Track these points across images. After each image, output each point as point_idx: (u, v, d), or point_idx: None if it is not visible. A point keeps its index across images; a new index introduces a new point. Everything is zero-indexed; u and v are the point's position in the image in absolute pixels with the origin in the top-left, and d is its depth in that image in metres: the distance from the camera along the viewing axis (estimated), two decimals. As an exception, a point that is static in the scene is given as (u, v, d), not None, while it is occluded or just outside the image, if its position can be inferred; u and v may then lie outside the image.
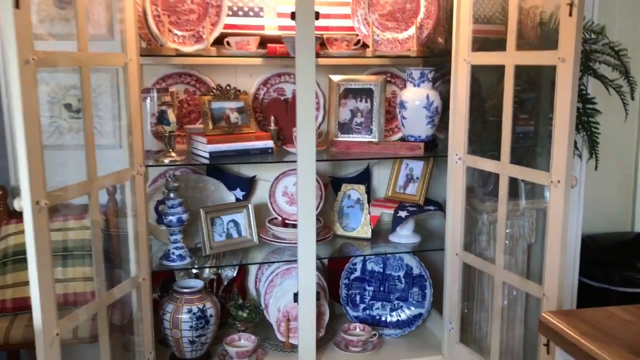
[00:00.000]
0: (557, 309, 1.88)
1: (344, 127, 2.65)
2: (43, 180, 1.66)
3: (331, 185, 2.82)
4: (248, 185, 2.74)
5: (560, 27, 1.84)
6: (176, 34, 2.34)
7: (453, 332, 2.47)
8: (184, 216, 2.37)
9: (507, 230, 2.47)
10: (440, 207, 2.63)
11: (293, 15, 2.16)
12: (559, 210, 1.89)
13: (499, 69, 2.13)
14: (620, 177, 3.09)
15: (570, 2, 1.79)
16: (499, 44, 2.17)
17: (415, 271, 2.71)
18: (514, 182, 2.45)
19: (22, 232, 2.39)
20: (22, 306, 2.32)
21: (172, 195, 2.36)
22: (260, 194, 2.77)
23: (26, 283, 2.30)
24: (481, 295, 2.57)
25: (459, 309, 2.45)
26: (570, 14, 1.79)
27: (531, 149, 2.46)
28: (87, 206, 2.48)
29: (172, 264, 2.39)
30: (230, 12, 2.50)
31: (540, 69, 2.34)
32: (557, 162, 1.88)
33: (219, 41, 2.44)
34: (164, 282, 2.61)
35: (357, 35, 2.57)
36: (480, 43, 2.35)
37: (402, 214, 2.59)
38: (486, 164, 2.26)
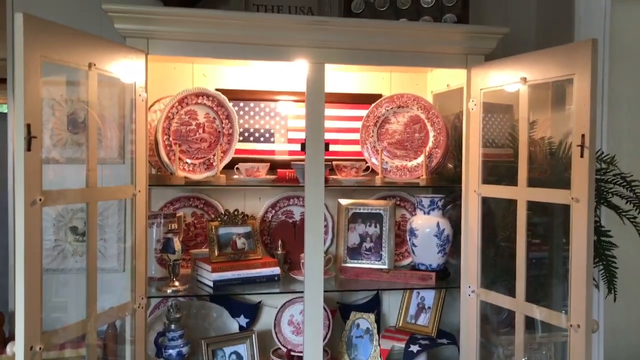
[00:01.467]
0: None
1: (353, 252, 2.60)
2: (39, 325, 1.59)
3: (339, 311, 2.72)
4: (253, 311, 2.64)
5: (572, 168, 1.83)
6: (186, 162, 2.35)
7: None
8: (185, 349, 2.27)
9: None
10: (454, 340, 2.51)
11: (303, 147, 2.18)
12: (580, 355, 1.78)
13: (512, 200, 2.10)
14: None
15: (581, 143, 1.78)
16: (509, 171, 2.15)
17: (428, 408, 2.54)
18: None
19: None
20: None
21: (173, 326, 2.27)
22: (266, 319, 2.67)
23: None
24: None
25: None
26: (582, 155, 1.78)
27: (547, 281, 2.38)
28: (84, 335, 2.42)
29: (171, 401, 2.26)
30: (241, 137, 2.53)
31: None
32: (576, 306, 1.80)
33: (229, 166, 2.44)
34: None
35: (366, 162, 2.58)
36: (490, 169, 2.33)
37: (414, 348, 2.46)
38: (501, 300, 2.18)
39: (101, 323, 1.95)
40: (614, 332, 2.86)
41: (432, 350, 2.57)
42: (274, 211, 2.71)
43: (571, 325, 1.82)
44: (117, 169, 2.51)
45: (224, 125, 2.41)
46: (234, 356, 2.42)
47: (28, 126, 1.53)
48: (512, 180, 2.13)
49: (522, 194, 2.04)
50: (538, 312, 2.03)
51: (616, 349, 2.87)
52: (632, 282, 2.88)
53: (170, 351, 2.24)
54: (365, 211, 2.63)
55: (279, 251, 2.60)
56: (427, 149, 2.50)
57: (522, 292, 2.03)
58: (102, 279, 1.94)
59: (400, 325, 2.64)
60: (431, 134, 2.52)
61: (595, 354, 2.31)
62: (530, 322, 2.39)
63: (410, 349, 2.46)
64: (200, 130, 2.38)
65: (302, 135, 2.13)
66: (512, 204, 2.12)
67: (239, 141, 2.50)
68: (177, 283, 2.28)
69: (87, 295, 1.88)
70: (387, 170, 2.57)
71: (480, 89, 2.25)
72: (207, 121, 2.38)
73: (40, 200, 1.58)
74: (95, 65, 1.84)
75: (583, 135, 1.78)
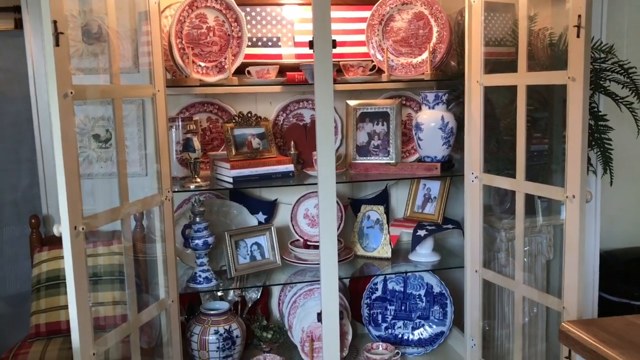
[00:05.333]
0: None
1: (362, 150, 2.73)
2: (80, 207, 1.74)
3: (350, 207, 2.89)
4: (270, 208, 2.82)
5: (569, 48, 1.91)
6: (200, 65, 2.45)
7: (475, 349, 2.50)
8: (210, 239, 2.45)
9: (526, 248, 2.51)
10: (459, 225, 2.69)
11: (311, 44, 2.25)
12: (575, 224, 1.94)
13: (512, 89, 2.21)
14: (636, 191, 3.12)
15: (577, 24, 1.86)
16: (510, 66, 2.25)
17: (436, 289, 2.75)
18: (530, 200, 2.50)
19: (54, 258, 2.52)
20: (56, 330, 2.40)
21: (198, 219, 2.44)
22: (282, 216, 2.85)
23: (59, 308, 2.42)
24: (502, 312, 2.60)
25: (480, 325, 2.49)
26: (578, 35, 1.87)
27: (546, 166, 2.52)
28: (114, 233, 2.60)
29: (199, 286, 2.46)
30: (249, 43, 2.61)
31: (552, 88, 2.41)
32: (572, 177, 1.94)
33: (239, 71, 2.54)
34: (189, 305, 2.68)
35: (372, 61, 2.67)
36: (492, 65, 2.42)
37: (421, 232, 2.64)
38: (502, 182, 2.32)
39: (134, 210, 2.11)
40: (611, 218, 3.02)
41: (439, 235, 2.76)
42: (285, 114, 2.82)
43: (567, 197, 1.96)
44: (132, 78, 2.61)
45: (232, 28, 2.49)
46: (255, 246, 2.61)
47: (55, 23, 1.63)
48: (513, 72, 2.23)
49: (521, 79, 2.14)
50: (537, 189, 2.17)
51: (612, 234, 3.04)
52: (628, 170, 3.02)
53: (197, 241, 2.42)
54: (373, 110, 2.74)
55: (292, 151, 2.73)
56: (431, 44, 2.59)
57: (522, 171, 2.17)
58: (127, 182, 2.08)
59: (408, 215, 2.81)
60: (435, 29, 2.59)
61: (592, 228, 2.47)
62: (530, 208, 2.55)
63: (417, 234, 2.64)
64: (211, 34, 2.46)
65: (309, 39, 2.20)
66: (513, 94, 2.22)
67: (248, 46, 2.59)
68: (199, 180, 2.43)
69: (119, 186, 2.02)
70: (393, 67, 2.66)
71: (482, -19, 2.30)
72: (217, 24, 2.46)
73: (71, 93, 1.70)
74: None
75: (579, 16, 1.86)
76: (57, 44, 1.63)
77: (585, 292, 2.00)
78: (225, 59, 2.48)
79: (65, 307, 1.88)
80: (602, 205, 2.66)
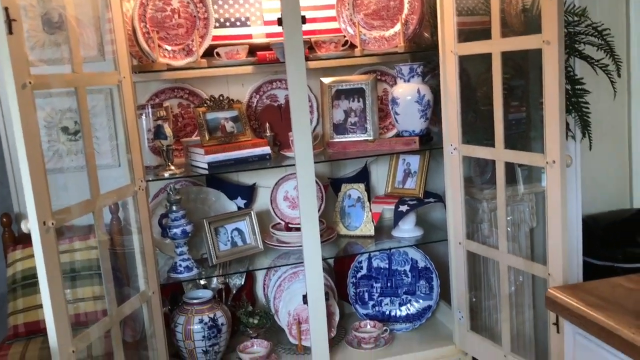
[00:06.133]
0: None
1: (339, 128, 2.69)
2: (48, 201, 1.68)
3: (331, 186, 2.85)
4: (249, 193, 2.77)
5: (542, 11, 1.88)
6: (166, 49, 2.38)
7: (463, 321, 2.49)
8: (188, 228, 2.40)
9: (509, 217, 2.50)
10: (440, 198, 2.66)
11: (280, 22, 2.19)
12: (556, 189, 1.92)
13: (487, 58, 2.17)
14: (615, 155, 3.12)
15: (548, -16, 1.83)
16: (484, 34, 2.21)
17: (421, 264, 2.73)
18: (511, 169, 2.49)
19: (29, 257, 2.45)
20: (35, 330, 2.34)
21: (174, 207, 2.39)
22: (262, 200, 2.80)
23: (37, 307, 2.36)
24: (488, 282, 2.59)
25: (467, 298, 2.48)
26: (551, -2, 1.83)
27: (524, 134, 2.50)
28: (90, 227, 2.53)
29: (180, 275, 2.41)
30: (217, 24, 2.54)
31: (527, 55, 2.38)
32: (551, 142, 1.91)
33: (208, 53, 2.47)
34: (172, 295, 2.63)
35: (345, 36, 2.61)
36: (466, 35, 2.38)
37: (403, 208, 2.61)
38: (481, 152, 2.30)
39: (106, 202, 2.05)
40: (591, 182, 3.01)
41: (420, 209, 2.73)
42: (258, 96, 2.76)
43: (547, 162, 1.94)
44: (99, 67, 2.52)
45: (198, 9, 2.42)
46: (235, 232, 2.57)
47: (6, 9, 1.55)
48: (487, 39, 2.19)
49: (496, 46, 2.10)
50: (517, 156, 2.15)
51: (593, 198, 3.04)
52: (606, 133, 3.02)
53: (175, 230, 2.37)
54: (348, 87, 2.69)
55: (268, 133, 2.67)
56: (403, 16, 2.53)
57: (501, 140, 2.14)
58: (99, 175, 2.00)
59: (389, 191, 2.78)
60: (406, 0, 2.54)
61: (573, 193, 2.46)
62: (511, 177, 2.53)
63: (399, 209, 2.62)
64: (176, 16, 2.38)
65: (277, 16, 2.14)
66: (488, 63, 2.18)
67: (215, 27, 2.51)
68: (173, 167, 2.37)
69: (89, 179, 1.96)
70: (366, 41, 2.61)
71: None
72: (182, 6, 2.39)
73: (30, 83, 1.63)
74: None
75: (551, -24, 1.82)
76: (10, 31, 1.56)
77: (569, 257, 1.99)
78: (192, 41, 2.41)
79: (42, 305, 1.82)
80: (582, 169, 2.65)
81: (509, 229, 2.39)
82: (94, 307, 2.41)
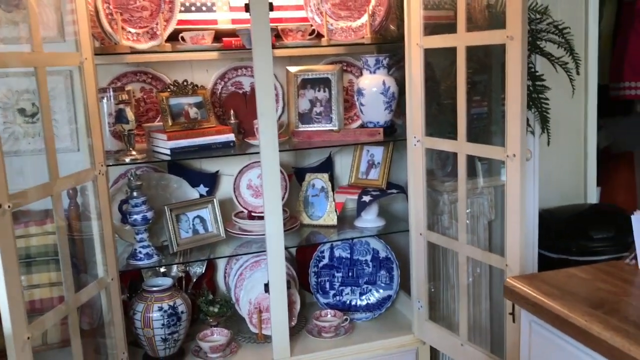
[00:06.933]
0: (520, 276, 1.95)
1: (304, 118, 2.69)
2: (5, 183, 1.63)
3: (295, 175, 2.85)
4: (211, 180, 2.74)
5: (507, 7, 1.91)
6: (130, 32, 2.33)
7: (422, 310, 2.53)
8: (149, 214, 2.36)
9: (468, 210, 2.54)
10: (403, 189, 2.69)
11: (247, 7, 2.18)
12: (516, 182, 1.97)
13: (452, 52, 2.20)
14: (571, 151, 3.21)
15: (514, -18, 1.86)
16: (449, 28, 2.23)
17: (382, 254, 2.76)
18: (471, 163, 2.53)
19: (-18, 241, 2.36)
20: (-13, 316, 2.27)
21: (135, 193, 2.34)
22: (224, 188, 2.78)
23: (-10, 292, 2.28)
24: (447, 273, 2.64)
25: (426, 288, 2.52)
26: (515, -6, 1.87)
27: (486, 128, 2.54)
28: (47, 212, 2.47)
29: (140, 262, 2.37)
30: (182, 8, 2.50)
31: (490, 51, 2.42)
32: (512, 136, 1.96)
33: (173, 37, 2.43)
34: (131, 283, 2.59)
35: (312, 25, 2.60)
36: (432, 28, 2.41)
37: (366, 198, 2.64)
38: (444, 144, 2.33)
39: (65, 186, 2.00)
40: (547, 177, 3.09)
41: (383, 200, 2.76)
42: (222, 83, 2.73)
43: (507, 156, 1.98)
44: (59, 48, 2.45)
45: (164, -8, 2.37)
46: (197, 220, 2.54)
47: (-37, -17, 1.49)
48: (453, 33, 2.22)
49: (461, 40, 2.13)
50: (478, 149, 2.19)
51: (548, 193, 3.12)
52: (563, 130, 3.09)
53: (135, 217, 2.33)
54: (314, 77, 2.69)
55: (232, 121, 2.65)
56: (370, 7, 2.54)
57: (464, 133, 2.18)
58: (58, 159, 1.94)
59: (352, 181, 2.80)
60: (373, -9, 2.55)
61: (531, 187, 2.51)
62: (471, 170, 2.58)
63: (362, 200, 2.64)
64: (141, -2, 2.33)
65: (244, 2, 2.12)
66: (453, 57, 2.21)
67: (181, 11, 2.47)
68: (134, 152, 2.33)
69: (48, 161, 1.90)
70: (333, 32, 2.61)
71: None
72: (147, -12, 2.34)
73: (-14, 61, 1.57)
74: None
75: (516, -26, 1.86)
76: (-34, 6, 1.50)
77: (525, 249, 2.04)
78: (157, 24, 2.36)
79: (-4, 290, 1.77)
80: (540, 164, 2.72)
81: (468, 221, 2.44)
82: (50, 294, 2.36)
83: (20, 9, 2.45)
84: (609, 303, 1.40)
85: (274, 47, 2.37)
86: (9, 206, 1.63)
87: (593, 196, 3.24)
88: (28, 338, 1.70)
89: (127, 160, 2.31)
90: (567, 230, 2.99)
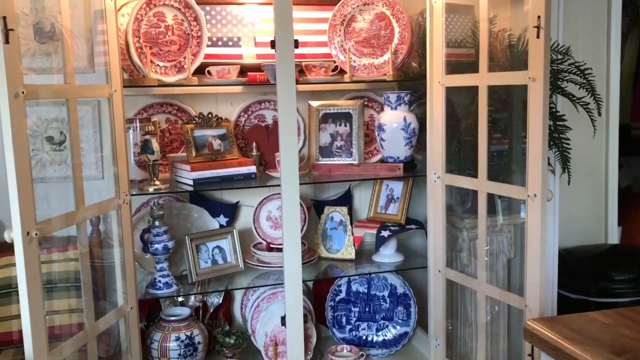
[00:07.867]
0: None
1: (325, 151, 2.71)
2: (33, 211, 1.67)
3: (314, 208, 2.87)
4: (232, 211, 2.77)
5: (529, 49, 1.94)
6: (158, 65, 2.39)
7: (439, 348, 2.51)
8: (170, 244, 2.39)
9: (487, 247, 2.54)
10: (422, 225, 2.70)
11: (273, 44, 2.22)
12: (537, 222, 1.96)
13: (473, 90, 2.22)
14: (592, 191, 3.19)
15: (537, 25, 1.89)
16: (471, 67, 2.27)
17: (400, 290, 2.75)
18: (491, 200, 2.53)
19: (5, 265, 2.41)
20: (7, 341, 2.30)
21: (157, 223, 2.38)
22: (244, 219, 2.80)
23: (11, 317, 2.32)
24: (465, 311, 2.62)
25: (444, 325, 2.50)
26: (538, 36, 1.89)
27: (507, 166, 2.55)
28: (69, 238, 2.50)
29: (159, 292, 2.39)
30: (209, 43, 2.56)
31: (512, 90, 2.44)
32: (533, 176, 1.96)
33: (199, 71, 2.49)
34: (149, 311, 2.60)
35: (335, 62, 2.65)
36: (453, 66, 2.44)
37: (385, 233, 2.64)
38: (464, 182, 2.34)
39: (89, 215, 2.03)
40: (568, 216, 3.07)
41: (402, 235, 2.76)
42: (246, 115, 2.78)
43: (528, 196, 1.98)
44: (87, 79, 2.52)
45: (192, 27, 2.44)
46: (216, 250, 2.56)
47: (4, 18, 1.56)
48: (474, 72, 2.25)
49: (483, 80, 2.16)
50: (499, 188, 2.19)
51: (569, 232, 3.10)
52: (584, 169, 3.09)
53: (156, 246, 2.36)
54: (335, 111, 2.72)
55: (254, 153, 2.69)
56: (393, 45, 2.59)
57: (484, 171, 2.19)
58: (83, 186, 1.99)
59: (371, 215, 2.81)
60: (396, 30, 2.60)
61: (551, 226, 2.51)
62: (491, 207, 2.58)
63: (381, 235, 2.64)
64: (170, 33, 2.40)
65: (270, 39, 2.17)
66: (474, 96, 2.23)
67: (208, 46, 2.54)
68: (158, 182, 2.37)
69: (75, 190, 1.95)
70: (355, 68, 2.65)
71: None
72: (176, 23, 2.41)
73: (23, 93, 1.63)
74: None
75: (539, 17, 1.88)
76: (6, 41, 1.56)
77: (545, 289, 2.03)
78: (184, 58, 2.43)
79: (18, 316, 1.79)
80: (560, 204, 2.71)
81: (487, 258, 2.43)
82: (69, 320, 2.38)
83: (53, 41, 2.53)
84: (632, 350, 1.39)
85: (297, 82, 2.41)
86: (36, 234, 1.67)
87: (614, 236, 3.21)
88: (48, 365, 1.71)
89: (151, 190, 2.35)
90: (587, 271, 2.95)
